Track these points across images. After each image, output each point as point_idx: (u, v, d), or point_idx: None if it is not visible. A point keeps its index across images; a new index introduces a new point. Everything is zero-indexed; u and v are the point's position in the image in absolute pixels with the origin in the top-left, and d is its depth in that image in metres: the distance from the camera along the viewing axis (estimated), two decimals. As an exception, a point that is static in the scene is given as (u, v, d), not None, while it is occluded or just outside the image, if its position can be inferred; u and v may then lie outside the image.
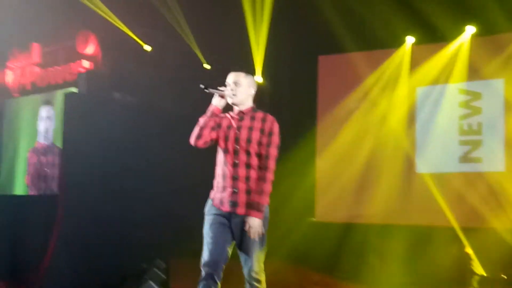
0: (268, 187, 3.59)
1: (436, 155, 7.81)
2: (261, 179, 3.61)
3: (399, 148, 8.01)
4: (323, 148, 8.47)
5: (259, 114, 3.75)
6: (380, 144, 8.09)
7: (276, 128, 3.70)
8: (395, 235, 7.18)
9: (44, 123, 8.96)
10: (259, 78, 8.14)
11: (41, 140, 8.80)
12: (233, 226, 3.62)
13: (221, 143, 3.72)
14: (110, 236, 6.10)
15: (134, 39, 7.98)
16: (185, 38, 7.98)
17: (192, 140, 3.71)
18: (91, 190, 6.14)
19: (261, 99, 8.03)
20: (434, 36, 7.63)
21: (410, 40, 7.99)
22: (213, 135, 3.74)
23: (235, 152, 3.67)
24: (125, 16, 7.80)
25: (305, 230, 8.05)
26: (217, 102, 3.78)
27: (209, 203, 3.72)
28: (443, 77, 7.83)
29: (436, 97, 7.90)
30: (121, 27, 7.87)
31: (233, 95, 3.71)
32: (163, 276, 6.14)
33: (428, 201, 7.58)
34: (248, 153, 3.66)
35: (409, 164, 7.94)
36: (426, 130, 7.93)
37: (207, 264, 3.54)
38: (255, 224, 3.54)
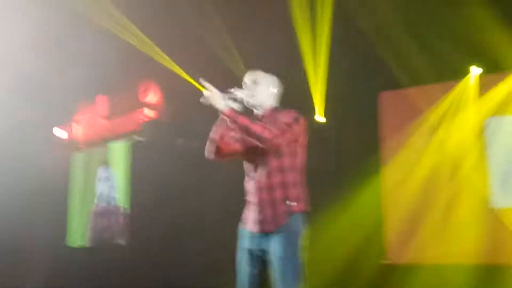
0: (258, 127, 3.11)
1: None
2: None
3: (470, 184, 7.64)
4: (389, 187, 8.19)
5: (281, 113, 3.29)
6: (450, 180, 7.75)
7: (292, 114, 3.23)
8: (472, 276, 6.78)
9: (102, 185, 9.12)
10: (320, 118, 8.04)
11: (100, 203, 8.90)
12: (258, 251, 3.18)
13: (243, 155, 3.34)
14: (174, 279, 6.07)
15: (194, 86, 8.10)
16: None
17: (206, 154, 3.34)
18: (157, 236, 6.16)
19: (325, 137, 7.96)
20: (498, 66, 7.36)
21: (474, 70, 7.73)
22: (235, 147, 3.35)
23: (255, 162, 3.24)
24: (184, 63, 7.97)
25: (376, 273, 7.73)
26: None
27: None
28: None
29: (509, 128, 7.55)
30: (181, 75, 8.03)
31: (251, 95, 3.30)
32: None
33: (505, 238, 7.16)
34: (266, 160, 3.20)
35: (482, 200, 7.55)
36: (503, 163, 7.55)
37: None
38: (217, 100, 3.12)
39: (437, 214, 7.70)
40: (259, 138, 3.11)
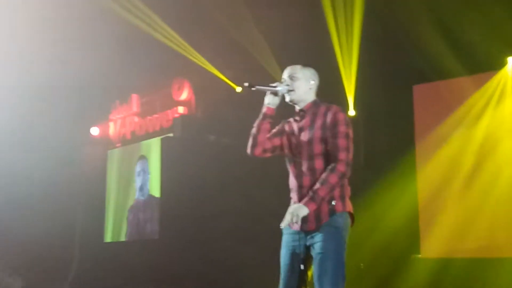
0: (333, 178, 3.03)
1: None
2: (328, 169, 3.07)
3: (508, 178, 7.45)
4: (424, 181, 8.05)
5: (322, 108, 3.24)
6: (488, 173, 7.57)
7: (341, 116, 3.16)
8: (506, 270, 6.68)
9: (140, 178, 9.34)
10: (352, 111, 8.00)
11: (139, 197, 9.16)
12: (302, 247, 3.14)
13: (285, 150, 3.30)
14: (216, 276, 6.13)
15: (226, 82, 8.15)
16: (275, 77, 8.05)
17: (248, 149, 3.30)
18: (188, 231, 6.24)
19: (354, 131, 7.90)
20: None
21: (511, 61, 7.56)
22: (276, 142, 3.31)
23: (298, 158, 3.20)
24: (215, 60, 8.02)
25: (411, 268, 7.65)
26: (269, 101, 3.29)
27: None
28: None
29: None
30: (212, 71, 8.08)
31: (290, 90, 3.26)
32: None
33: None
34: (311, 157, 3.16)
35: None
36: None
37: None
38: (299, 210, 2.99)
39: (475, 208, 7.54)
40: (344, 176, 3.11)
